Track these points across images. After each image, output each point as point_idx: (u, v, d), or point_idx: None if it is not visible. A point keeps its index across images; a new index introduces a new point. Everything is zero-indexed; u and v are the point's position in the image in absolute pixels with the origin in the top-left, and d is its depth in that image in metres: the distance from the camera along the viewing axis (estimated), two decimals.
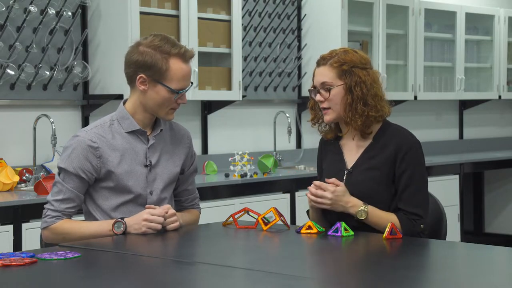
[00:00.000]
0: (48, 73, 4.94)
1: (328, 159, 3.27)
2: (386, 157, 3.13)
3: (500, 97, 7.83)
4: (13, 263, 2.49)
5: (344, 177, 3.17)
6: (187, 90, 3.14)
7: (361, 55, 3.18)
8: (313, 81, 3.22)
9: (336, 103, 3.13)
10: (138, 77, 3.10)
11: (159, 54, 3.08)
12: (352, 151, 3.21)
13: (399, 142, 3.14)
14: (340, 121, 3.20)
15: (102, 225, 3.06)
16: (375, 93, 3.14)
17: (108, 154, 3.10)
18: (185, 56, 3.11)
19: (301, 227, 3.09)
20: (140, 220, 3.03)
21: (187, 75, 3.12)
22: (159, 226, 3.05)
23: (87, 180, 3.09)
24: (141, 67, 3.09)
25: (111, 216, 3.11)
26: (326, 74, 3.15)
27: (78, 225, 3.07)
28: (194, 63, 5.34)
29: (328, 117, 3.17)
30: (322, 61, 3.18)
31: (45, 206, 3.10)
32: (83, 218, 3.19)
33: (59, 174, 3.11)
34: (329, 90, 3.13)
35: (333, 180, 3.10)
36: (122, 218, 3.05)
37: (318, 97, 3.16)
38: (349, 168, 3.18)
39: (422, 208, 3.11)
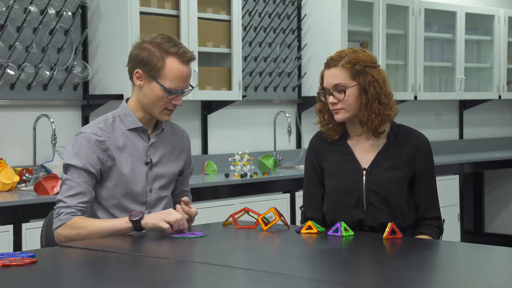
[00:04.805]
0: (48, 73, 4.94)
1: (333, 159, 3.21)
2: (406, 157, 3.14)
3: (500, 97, 7.83)
4: (13, 263, 2.49)
5: (364, 177, 3.14)
6: (183, 92, 3.14)
7: (369, 54, 3.15)
8: (321, 84, 3.17)
9: (351, 103, 3.09)
10: (134, 72, 3.12)
11: (158, 52, 3.08)
12: (364, 151, 3.17)
13: (417, 142, 3.16)
14: (349, 121, 3.15)
15: (117, 220, 3.03)
16: (386, 91, 3.13)
17: (112, 149, 3.11)
18: (183, 56, 3.10)
19: (301, 227, 3.09)
20: (159, 214, 3.01)
21: (183, 76, 3.12)
22: (178, 217, 3.01)
23: (95, 174, 3.08)
24: (138, 62, 3.10)
25: (111, 213, 3.11)
26: (339, 75, 3.09)
27: (92, 220, 3.04)
28: (194, 63, 5.35)
29: (340, 116, 3.12)
30: (332, 62, 3.11)
31: (57, 206, 3.05)
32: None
33: (66, 172, 3.08)
34: (344, 91, 3.08)
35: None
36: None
37: (331, 99, 3.10)
38: (366, 168, 3.15)
39: (439, 207, 3.21)
